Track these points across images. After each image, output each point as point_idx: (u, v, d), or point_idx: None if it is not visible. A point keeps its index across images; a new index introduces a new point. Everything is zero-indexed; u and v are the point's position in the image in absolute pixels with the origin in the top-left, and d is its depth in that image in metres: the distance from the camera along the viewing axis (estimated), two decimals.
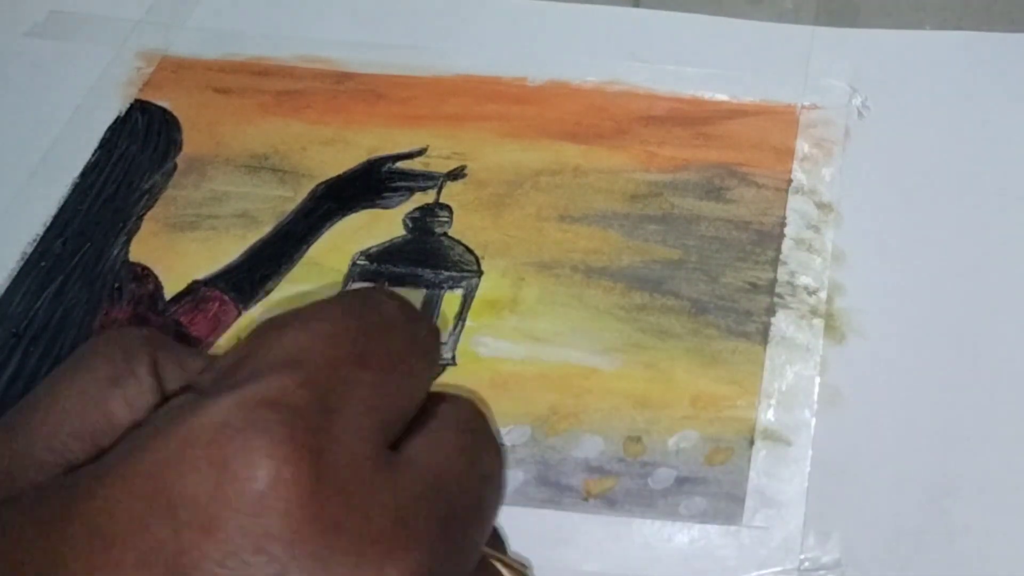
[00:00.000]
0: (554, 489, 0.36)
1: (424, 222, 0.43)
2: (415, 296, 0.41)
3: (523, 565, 0.27)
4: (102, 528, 0.21)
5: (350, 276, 0.41)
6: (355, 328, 0.24)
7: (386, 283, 0.41)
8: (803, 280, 0.41)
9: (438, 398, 0.26)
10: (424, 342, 0.25)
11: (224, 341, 0.39)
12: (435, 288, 0.41)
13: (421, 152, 0.45)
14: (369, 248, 0.42)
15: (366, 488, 0.22)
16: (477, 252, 0.42)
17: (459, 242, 0.42)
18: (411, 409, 0.24)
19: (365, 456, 0.22)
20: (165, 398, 0.24)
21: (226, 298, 0.40)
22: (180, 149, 0.46)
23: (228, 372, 0.23)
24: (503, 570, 0.27)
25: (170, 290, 0.41)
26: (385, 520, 0.22)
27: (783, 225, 0.43)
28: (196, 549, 0.20)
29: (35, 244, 0.42)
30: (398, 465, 0.23)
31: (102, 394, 0.24)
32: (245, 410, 0.21)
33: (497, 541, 0.28)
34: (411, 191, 0.44)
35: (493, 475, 0.25)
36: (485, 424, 0.26)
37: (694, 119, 0.46)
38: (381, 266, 0.42)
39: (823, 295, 0.40)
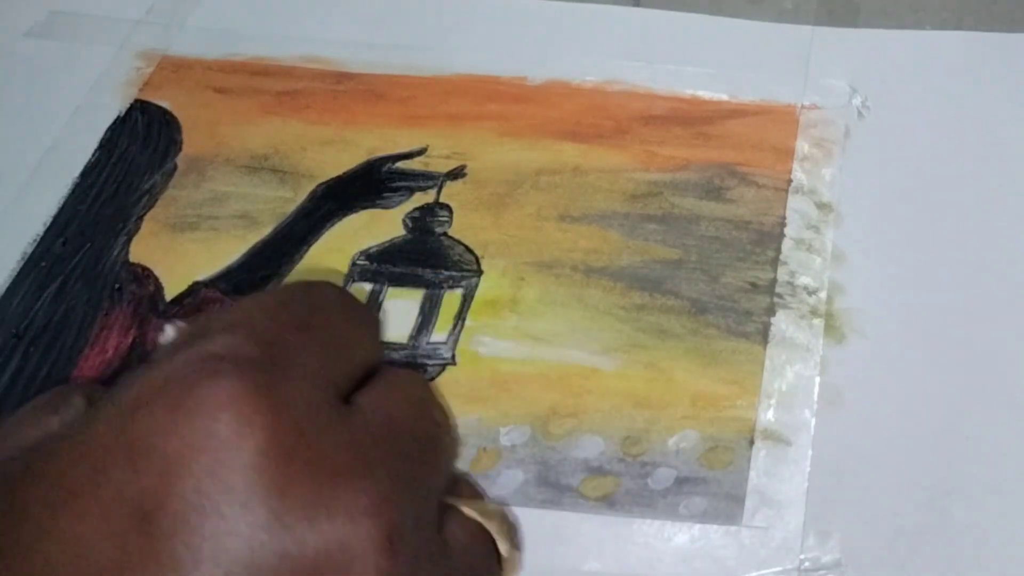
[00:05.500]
0: (554, 489, 0.36)
1: (424, 222, 0.43)
2: (415, 296, 0.41)
3: (499, 512, 0.30)
4: (64, 481, 0.21)
5: (350, 276, 0.41)
6: (297, 303, 0.27)
7: (386, 283, 0.41)
8: (803, 280, 0.41)
9: (384, 368, 0.28)
10: (363, 318, 0.29)
11: None
12: (435, 288, 0.41)
13: (421, 152, 0.45)
14: (369, 248, 0.42)
15: (321, 424, 0.23)
16: (477, 252, 0.42)
17: (459, 242, 0.42)
18: (356, 370, 0.27)
19: (318, 399, 0.24)
20: None
21: (227, 299, 0.40)
22: (180, 149, 0.46)
23: (179, 345, 0.24)
24: (476, 517, 0.28)
25: (170, 291, 0.41)
26: (341, 453, 0.23)
27: (783, 225, 0.43)
28: (158, 489, 0.21)
29: (35, 244, 0.42)
30: (350, 410, 0.25)
31: (39, 417, 0.25)
32: (195, 362, 0.23)
33: (475, 497, 0.31)
34: (411, 191, 0.44)
35: (443, 423, 0.28)
36: (429, 388, 0.29)
37: (694, 119, 0.46)
38: (381, 266, 0.42)
39: (823, 295, 0.40)
